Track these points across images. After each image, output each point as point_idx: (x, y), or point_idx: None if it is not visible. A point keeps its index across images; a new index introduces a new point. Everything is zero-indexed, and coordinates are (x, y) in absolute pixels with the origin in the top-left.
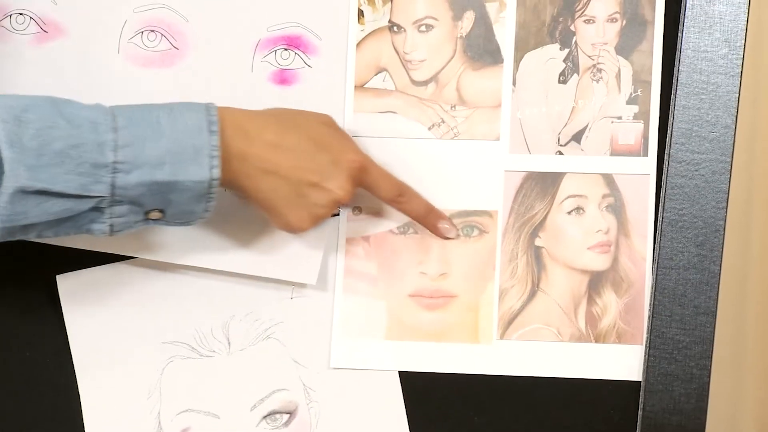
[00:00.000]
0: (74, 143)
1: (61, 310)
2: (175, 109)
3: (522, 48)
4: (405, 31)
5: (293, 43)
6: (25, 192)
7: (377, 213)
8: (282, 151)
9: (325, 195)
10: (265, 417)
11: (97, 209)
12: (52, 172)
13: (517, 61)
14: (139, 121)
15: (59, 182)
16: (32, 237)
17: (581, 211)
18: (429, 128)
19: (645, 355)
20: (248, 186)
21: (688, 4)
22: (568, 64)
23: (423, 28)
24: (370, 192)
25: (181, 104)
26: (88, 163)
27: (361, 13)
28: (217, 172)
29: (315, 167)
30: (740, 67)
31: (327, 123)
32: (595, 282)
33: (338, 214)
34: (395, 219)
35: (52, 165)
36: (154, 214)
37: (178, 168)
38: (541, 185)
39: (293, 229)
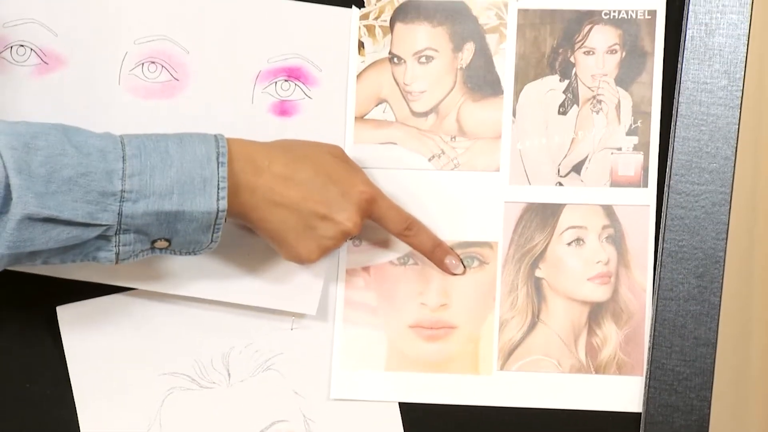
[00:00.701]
0: (83, 171)
1: (62, 341)
2: (185, 139)
3: (522, 79)
4: (405, 62)
5: (294, 75)
6: (32, 219)
7: (377, 244)
8: (291, 184)
9: (334, 227)
10: None
11: (103, 237)
12: (60, 199)
13: (517, 92)
14: (149, 150)
15: (67, 210)
16: (38, 263)
17: (581, 242)
18: (429, 159)
19: (645, 387)
20: (256, 218)
21: (687, 36)
22: (568, 95)
23: (423, 59)
24: (379, 224)
25: (191, 135)
26: (96, 191)
27: (361, 45)
28: (224, 204)
29: (324, 199)
30: (740, 98)
31: (337, 154)
32: (596, 313)
33: None
34: (395, 250)
35: (60, 192)
36: (161, 243)
37: (185, 198)
38: (541, 216)
39: (302, 261)
